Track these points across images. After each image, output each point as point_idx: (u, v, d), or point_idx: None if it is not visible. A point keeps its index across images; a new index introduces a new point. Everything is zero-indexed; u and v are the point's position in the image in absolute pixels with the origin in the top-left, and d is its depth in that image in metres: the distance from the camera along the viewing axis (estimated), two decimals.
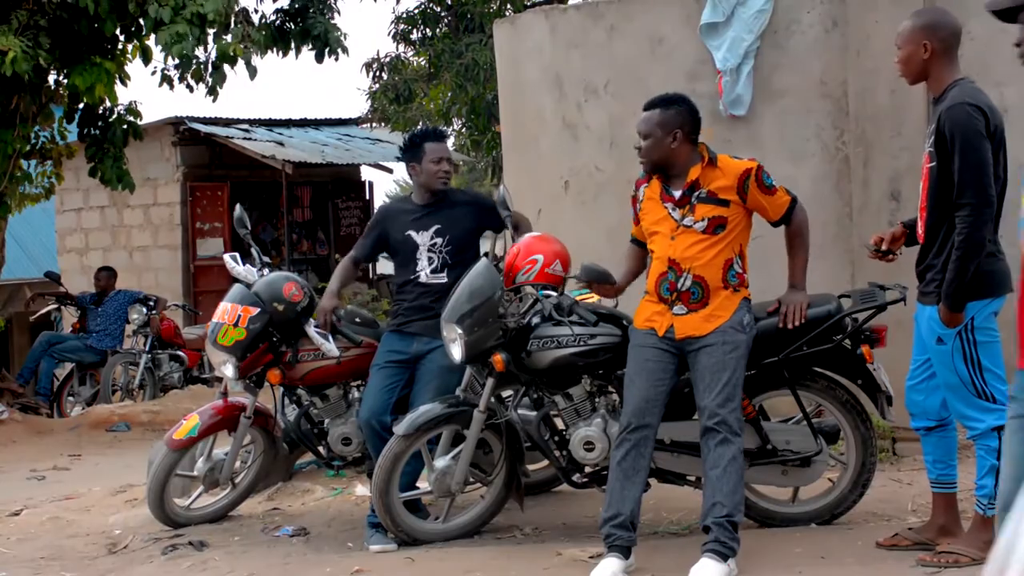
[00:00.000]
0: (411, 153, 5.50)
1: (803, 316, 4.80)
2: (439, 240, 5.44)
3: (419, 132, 5.70)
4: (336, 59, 12.00)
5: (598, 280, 4.84)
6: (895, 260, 4.71)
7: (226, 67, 10.60)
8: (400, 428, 5.08)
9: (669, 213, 4.69)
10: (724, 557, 4.40)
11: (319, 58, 11.90)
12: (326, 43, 11.73)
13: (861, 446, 5.02)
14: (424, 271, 5.45)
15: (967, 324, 4.24)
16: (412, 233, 5.49)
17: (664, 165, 4.71)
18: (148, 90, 60.07)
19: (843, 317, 4.90)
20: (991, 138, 4.19)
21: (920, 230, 4.45)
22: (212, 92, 10.79)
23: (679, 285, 4.64)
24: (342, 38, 11.85)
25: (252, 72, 10.85)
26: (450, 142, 21.07)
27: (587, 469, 5.05)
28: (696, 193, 4.65)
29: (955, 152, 4.17)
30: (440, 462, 5.14)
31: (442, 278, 5.42)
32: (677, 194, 4.67)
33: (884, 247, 4.66)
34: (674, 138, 4.66)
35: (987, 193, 4.15)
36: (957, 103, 4.22)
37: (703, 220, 4.63)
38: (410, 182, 5.79)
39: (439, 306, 5.24)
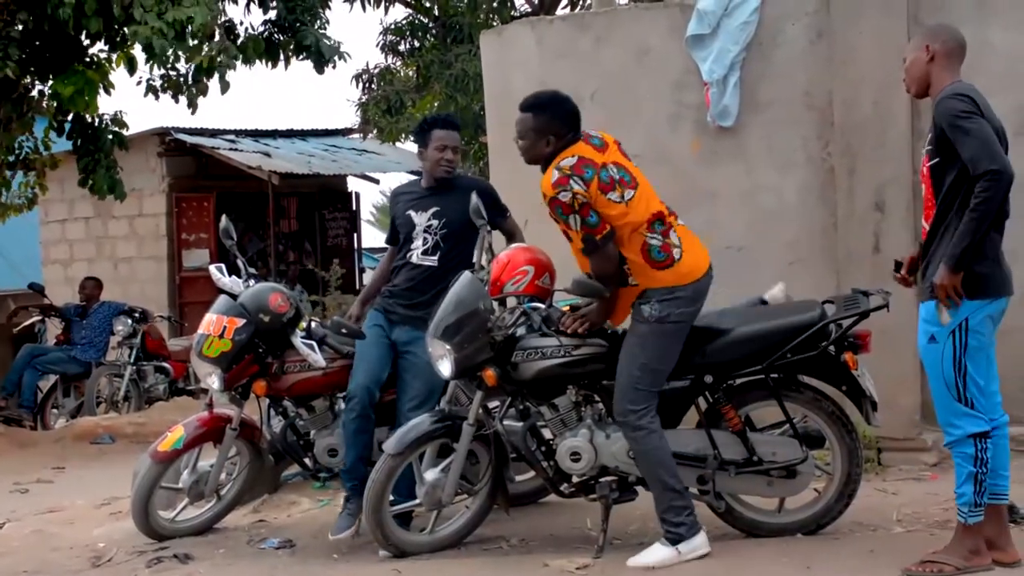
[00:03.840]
0: (420, 137, 5.59)
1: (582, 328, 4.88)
2: (435, 222, 5.49)
3: (430, 118, 5.74)
4: (334, 67, 12.01)
5: (591, 295, 4.83)
6: (913, 284, 4.66)
7: (209, 79, 10.59)
8: (390, 447, 5.06)
9: None
10: (672, 542, 4.71)
11: (319, 68, 11.90)
12: (320, 53, 11.73)
13: (847, 457, 5.02)
14: (416, 251, 5.49)
15: (961, 324, 4.23)
16: (412, 213, 5.55)
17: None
18: (134, 101, 59.94)
19: (827, 324, 4.90)
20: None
21: (924, 231, 4.42)
22: (191, 105, 10.79)
23: None
24: (336, 45, 11.85)
25: (224, 86, 10.81)
26: None
27: (574, 479, 5.05)
28: None
29: (954, 138, 4.14)
30: (430, 475, 5.13)
31: (432, 260, 5.46)
32: None
33: (904, 271, 4.63)
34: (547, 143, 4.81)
35: (1004, 160, 4.07)
36: (944, 96, 4.25)
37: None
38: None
39: (424, 294, 5.38)
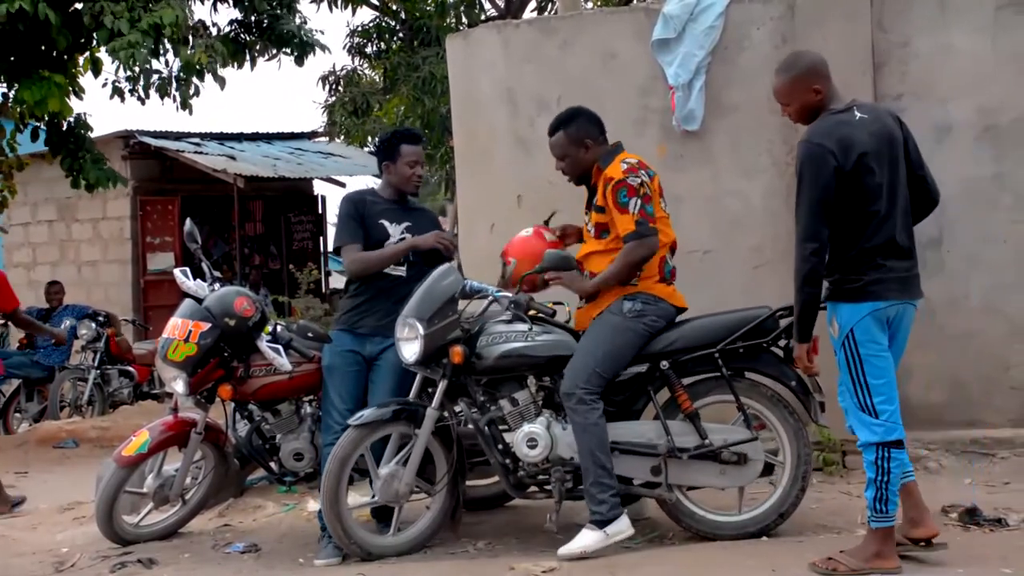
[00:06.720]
0: (387, 153, 5.57)
1: (562, 283, 5.15)
2: (407, 236, 5.50)
3: (397, 133, 5.73)
4: (313, 54, 12.10)
5: (561, 267, 5.07)
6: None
7: (201, 79, 10.59)
8: (354, 420, 5.12)
9: (584, 221, 5.26)
10: (598, 524, 4.88)
11: (299, 60, 11.96)
12: (303, 43, 11.80)
13: (793, 438, 5.12)
14: None
15: (848, 335, 4.33)
16: (385, 223, 5.53)
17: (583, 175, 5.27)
18: (97, 103, 59.40)
19: (775, 313, 5.07)
20: (838, 172, 4.29)
21: None
22: (184, 105, 10.75)
23: None
24: (316, 35, 11.96)
25: (221, 83, 10.84)
26: None
27: (531, 468, 5.10)
28: (592, 200, 5.15)
29: (798, 186, 4.34)
30: (385, 468, 5.16)
31: (401, 271, 5.46)
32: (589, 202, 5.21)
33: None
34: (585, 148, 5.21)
35: (811, 232, 4.34)
36: (804, 138, 4.38)
37: (593, 227, 5.16)
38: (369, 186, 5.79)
39: (390, 301, 5.37)
